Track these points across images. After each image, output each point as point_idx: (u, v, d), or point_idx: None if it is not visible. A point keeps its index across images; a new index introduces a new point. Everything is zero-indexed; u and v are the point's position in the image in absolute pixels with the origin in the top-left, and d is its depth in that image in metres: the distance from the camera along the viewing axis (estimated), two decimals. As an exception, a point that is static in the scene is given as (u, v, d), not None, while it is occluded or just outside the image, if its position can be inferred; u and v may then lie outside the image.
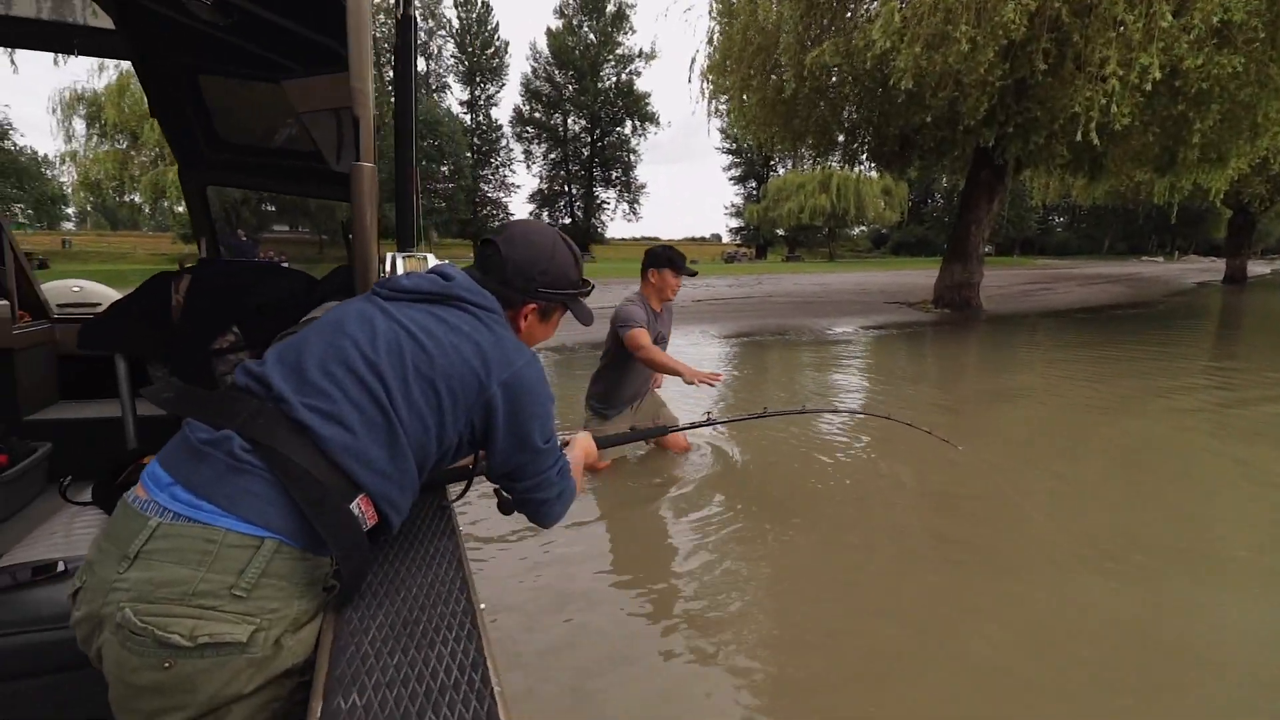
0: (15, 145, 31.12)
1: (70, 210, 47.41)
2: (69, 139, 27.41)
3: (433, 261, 1.72)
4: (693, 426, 2.68)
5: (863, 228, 60.71)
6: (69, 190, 31.44)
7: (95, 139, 27.26)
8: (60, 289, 4.69)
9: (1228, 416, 4.91)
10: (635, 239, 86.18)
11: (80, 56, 2.92)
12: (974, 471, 3.60)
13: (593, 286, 1.40)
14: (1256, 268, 45.63)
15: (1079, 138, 9.55)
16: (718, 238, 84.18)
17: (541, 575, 2.43)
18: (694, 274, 3.50)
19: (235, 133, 3.30)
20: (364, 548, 0.96)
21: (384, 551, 1.17)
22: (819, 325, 11.46)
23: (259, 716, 0.88)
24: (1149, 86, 8.64)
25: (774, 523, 2.89)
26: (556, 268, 1.27)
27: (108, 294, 3.89)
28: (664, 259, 3.39)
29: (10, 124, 30.21)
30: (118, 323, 2.52)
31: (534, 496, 1.21)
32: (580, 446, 1.59)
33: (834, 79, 11.87)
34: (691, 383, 3.01)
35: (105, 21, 2.65)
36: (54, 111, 26.61)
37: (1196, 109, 9.81)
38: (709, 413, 2.84)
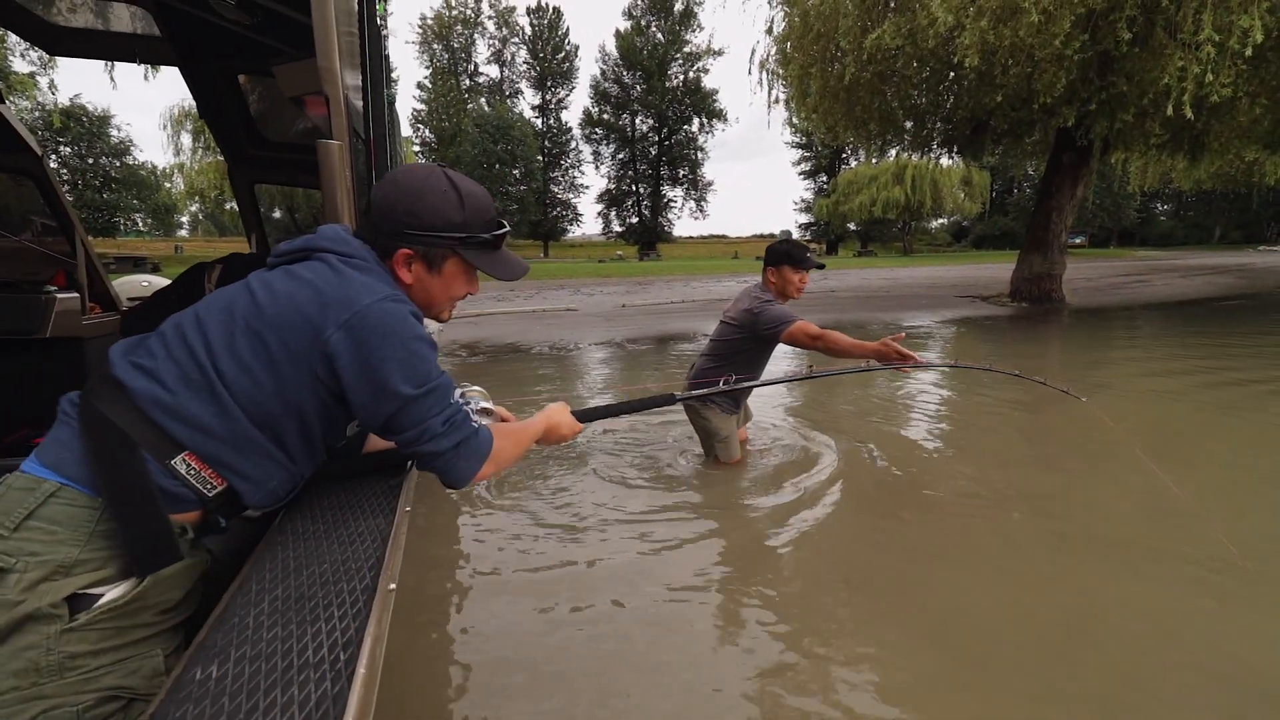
0: (135, 160, 34.36)
1: (184, 219, 51.79)
2: (178, 152, 30.05)
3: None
4: (695, 397, 2.54)
5: (941, 220, 58.13)
6: (177, 199, 34.39)
7: (200, 151, 29.73)
8: (131, 284, 5.14)
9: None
10: (703, 237, 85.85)
11: (140, 64, 3.19)
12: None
13: (505, 230, 1.25)
14: (1404, 257, 40.45)
15: (1170, 113, 8.76)
16: (788, 234, 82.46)
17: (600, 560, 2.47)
18: (821, 266, 3.12)
19: (277, 131, 3.52)
20: (151, 503, 0.93)
21: (309, 527, 1.16)
22: (878, 319, 11.04)
23: (13, 664, 0.85)
24: (1249, 52, 7.82)
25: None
26: (426, 207, 1.13)
27: (172, 288, 4.23)
28: (781, 253, 3.03)
29: (131, 140, 33.35)
30: (158, 310, 2.75)
31: (421, 450, 1.10)
32: (544, 414, 1.52)
33: (898, 62, 11.39)
34: (896, 363, 2.65)
35: (155, 29, 2.89)
36: (164, 127, 29.26)
37: (1312, 75, 8.82)
38: (673, 391, 2.46)
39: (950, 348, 7.90)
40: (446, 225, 1.16)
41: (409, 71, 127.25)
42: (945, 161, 20.03)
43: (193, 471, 0.97)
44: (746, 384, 2.74)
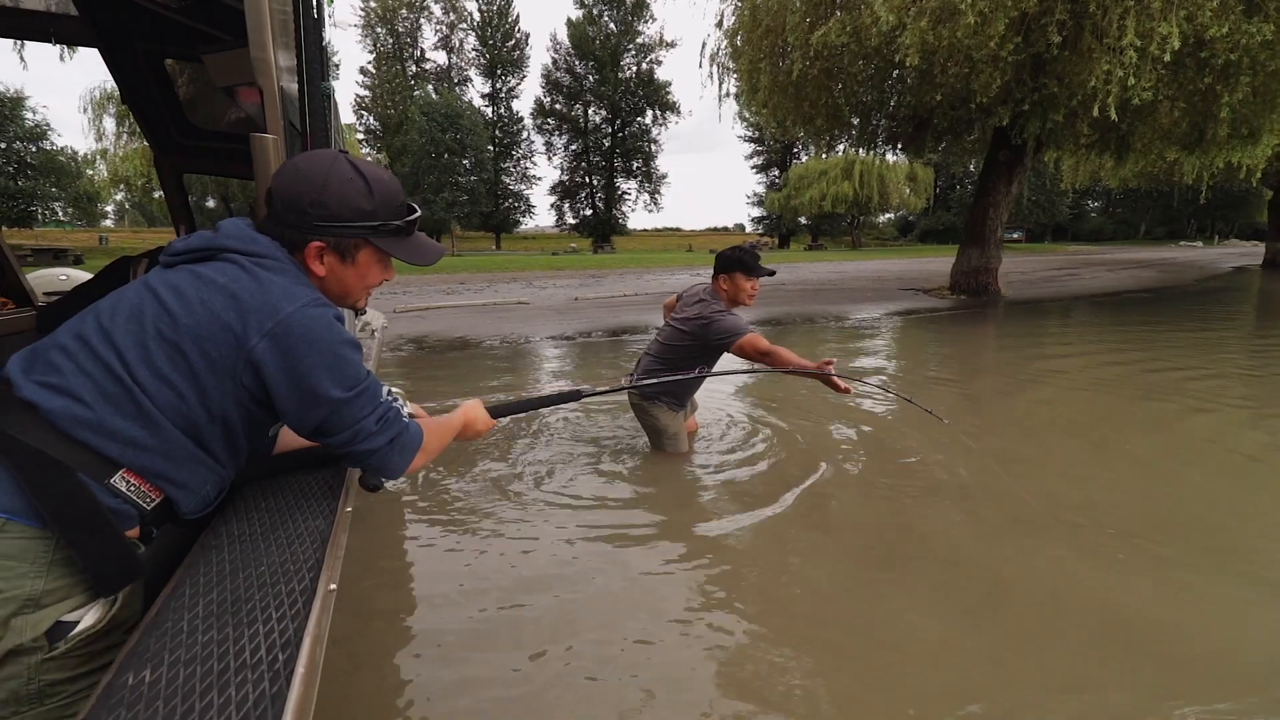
0: (54, 145, 32.17)
1: (109, 208, 48.84)
2: (100, 137, 28.26)
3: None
4: (603, 393, 2.51)
5: (889, 215, 59.68)
6: (100, 187, 32.37)
7: (125, 137, 28.04)
8: (48, 278, 4.84)
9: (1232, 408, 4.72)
10: (657, 229, 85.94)
11: (56, 45, 2.99)
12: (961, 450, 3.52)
13: (415, 215, 1.22)
14: (1303, 251, 43.58)
15: (1096, 114, 9.22)
16: (741, 228, 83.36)
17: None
18: (772, 273, 3.13)
19: (208, 119, 3.36)
20: (106, 525, 0.91)
21: (245, 529, 1.15)
22: (825, 311, 11.30)
23: None
24: (1168, 57, 8.29)
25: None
26: (333, 197, 1.10)
27: (91, 282, 4.01)
28: (734, 261, 3.02)
29: (48, 124, 31.19)
30: (78, 306, 2.60)
31: (355, 450, 1.11)
32: (461, 410, 1.53)
33: (844, 59, 11.63)
34: (831, 384, 2.71)
35: (72, 8, 2.72)
36: (85, 110, 27.44)
37: (1224, 81, 9.36)
38: (578, 383, 2.60)
39: (895, 339, 8.17)
40: (357, 214, 1.12)
41: (351, 56, 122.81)
42: (891, 158, 20.57)
43: (133, 488, 0.96)
44: (648, 382, 2.89)
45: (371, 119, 46.84)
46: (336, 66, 31.43)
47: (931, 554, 2.40)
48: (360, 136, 44.88)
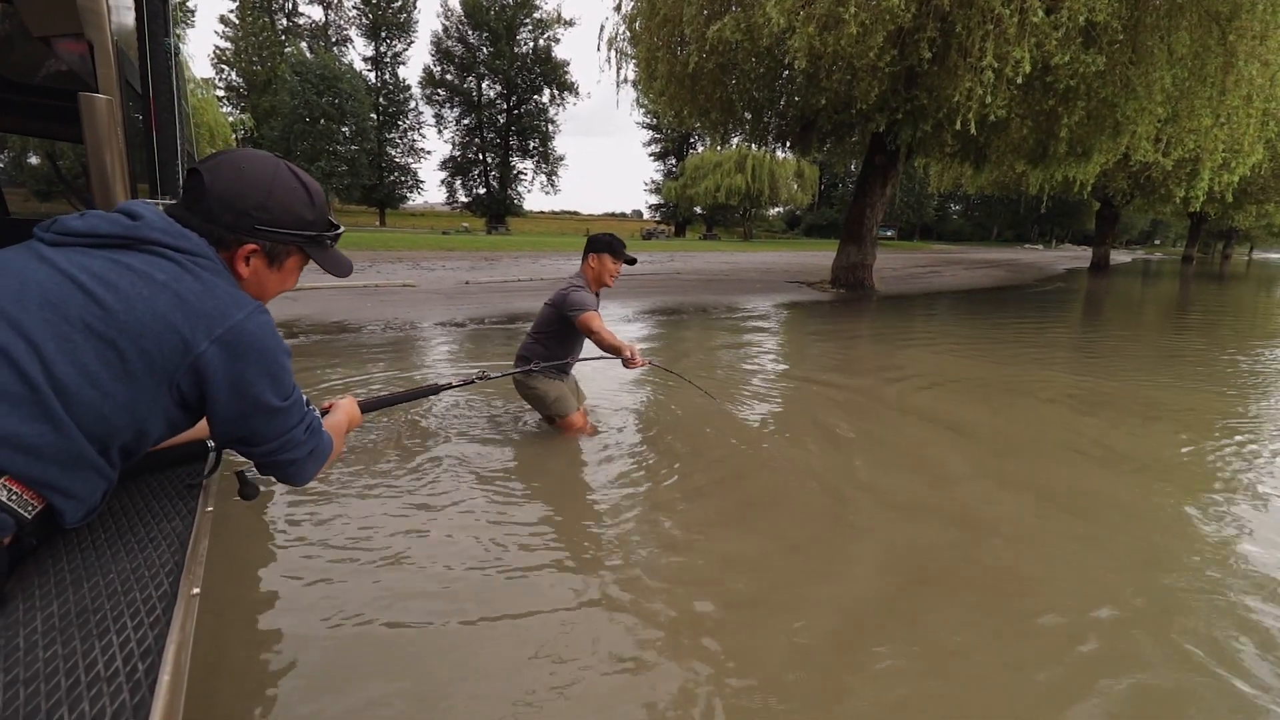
0: None
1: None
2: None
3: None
4: (465, 384, 2.73)
5: (778, 209, 62.39)
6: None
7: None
8: None
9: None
10: (555, 212, 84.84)
11: None
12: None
13: (341, 230, 1.27)
14: (1119, 256, 50.43)
15: (958, 126, 10.05)
16: (639, 214, 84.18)
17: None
18: (633, 261, 3.50)
19: (16, 68, 2.85)
20: None
21: (87, 535, 1.06)
22: (718, 302, 11.62)
23: None
24: (1020, 80, 9.16)
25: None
26: (278, 203, 1.12)
27: None
28: (604, 243, 3.43)
29: None
30: None
31: (280, 459, 1.13)
32: (343, 409, 1.52)
33: (738, 56, 11.91)
34: (630, 366, 3.06)
35: None
36: None
37: (1065, 104, 10.52)
38: (483, 371, 2.84)
39: (783, 325, 8.54)
40: (297, 223, 1.15)
41: (209, 3, 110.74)
42: (780, 154, 21.43)
43: (14, 496, 0.86)
44: (502, 374, 3.16)
45: (234, 74, 42.53)
46: (191, 13, 28.09)
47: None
48: (220, 93, 40.61)
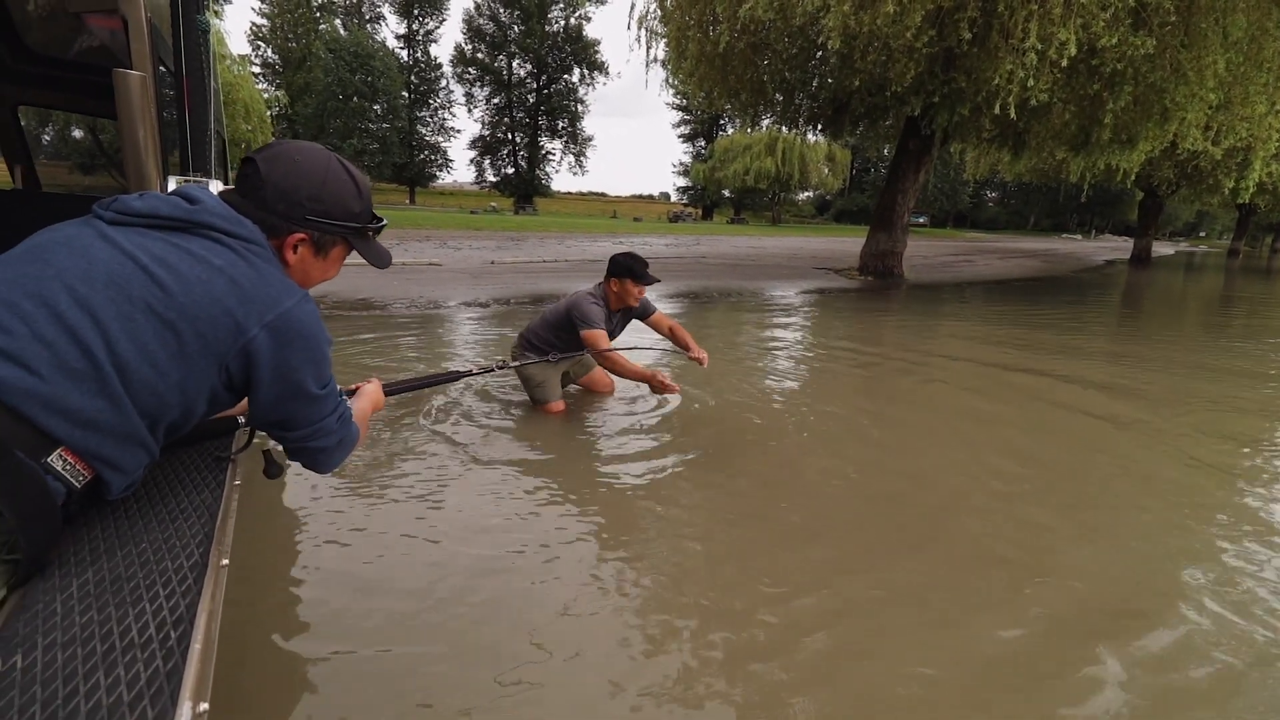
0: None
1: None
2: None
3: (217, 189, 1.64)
4: (485, 372, 2.85)
5: (808, 194, 61.40)
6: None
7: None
8: None
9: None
10: (581, 193, 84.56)
11: None
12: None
13: (384, 223, 1.30)
14: (1162, 249, 48.71)
15: (997, 111, 9.74)
16: (666, 196, 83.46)
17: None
18: (656, 281, 3.44)
19: (50, 42, 2.91)
20: (49, 509, 0.87)
21: (120, 505, 1.09)
22: (743, 288, 11.51)
23: None
24: (1064, 63, 8.83)
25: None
26: (330, 195, 1.16)
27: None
28: (624, 268, 3.37)
29: None
30: None
31: (310, 445, 1.16)
32: (368, 395, 1.54)
33: (770, 35, 11.67)
34: (659, 391, 3.06)
35: None
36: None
37: (1110, 89, 10.12)
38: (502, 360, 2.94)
39: (810, 315, 8.44)
40: (346, 214, 1.19)
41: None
42: (811, 137, 21.03)
43: (68, 466, 0.89)
44: (517, 363, 3.31)
45: (270, 51, 42.98)
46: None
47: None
48: (256, 69, 41.10)
